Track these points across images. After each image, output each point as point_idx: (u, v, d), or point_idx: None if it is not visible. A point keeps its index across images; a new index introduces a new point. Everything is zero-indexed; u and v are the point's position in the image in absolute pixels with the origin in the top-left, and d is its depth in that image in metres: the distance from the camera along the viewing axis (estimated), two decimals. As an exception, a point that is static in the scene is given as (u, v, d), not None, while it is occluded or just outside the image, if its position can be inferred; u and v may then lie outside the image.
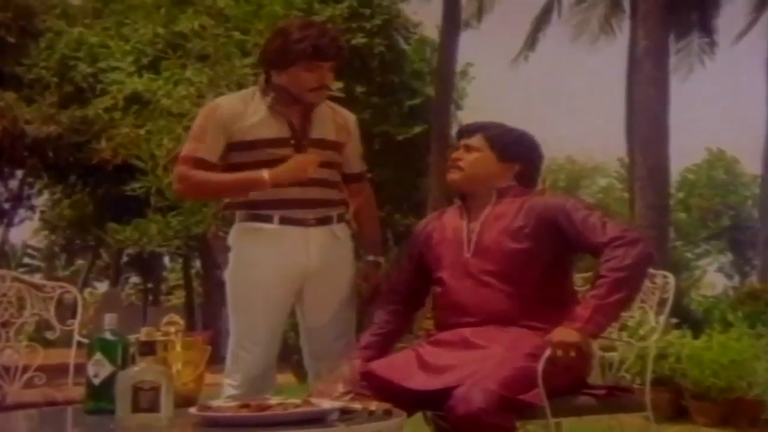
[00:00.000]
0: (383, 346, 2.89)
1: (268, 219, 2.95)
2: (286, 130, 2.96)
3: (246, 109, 2.97)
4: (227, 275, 3.06)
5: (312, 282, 3.00)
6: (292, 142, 2.95)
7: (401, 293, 2.99)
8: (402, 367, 2.64)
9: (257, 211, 2.96)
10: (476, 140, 2.89)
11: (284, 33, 2.96)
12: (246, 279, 2.99)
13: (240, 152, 2.95)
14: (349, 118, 3.16)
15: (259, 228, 2.96)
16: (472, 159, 2.87)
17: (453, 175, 2.91)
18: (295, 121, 2.98)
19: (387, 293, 3.01)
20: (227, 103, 3.06)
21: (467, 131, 2.96)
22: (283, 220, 2.94)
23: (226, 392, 2.94)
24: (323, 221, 2.99)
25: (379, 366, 2.68)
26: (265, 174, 2.87)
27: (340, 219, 3.06)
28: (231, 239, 3.04)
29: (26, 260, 38.37)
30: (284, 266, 2.95)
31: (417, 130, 16.96)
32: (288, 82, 2.94)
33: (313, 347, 3.07)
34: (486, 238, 2.80)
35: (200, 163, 2.95)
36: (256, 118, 2.95)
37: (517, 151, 2.90)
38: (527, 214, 2.78)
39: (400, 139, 16.91)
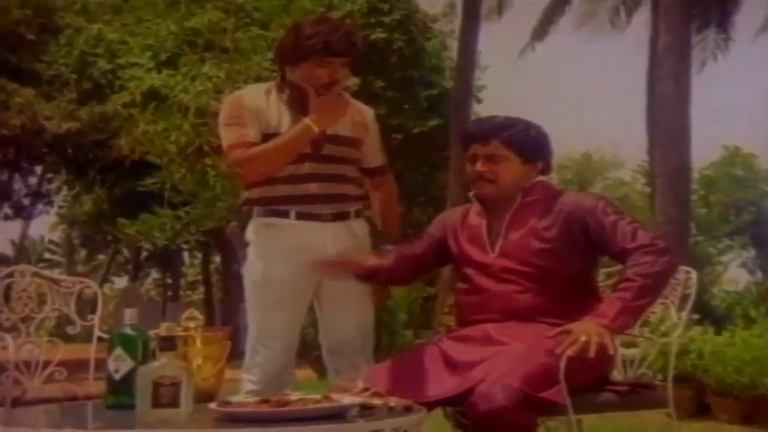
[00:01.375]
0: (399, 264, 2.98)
1: (284, 214, 2.94)
2: None
3: (266, 102, 2.97)
4: (245, 270, 3.05)
5: (329, 277, 2.99)
6: None
7: (412, 256, 2.99)
8: (427, 365, 2.65)
9: (274, 206, 2.95)
10: (496, 148, 2.82)
11: (297, 29, 2.95)
12: (263, 274, 2.98)
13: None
14: (367, 113, 3.14)
15: (276, 223, 2.95)
16: (501, 170, 2.82)
17: (486, 189, 2.85)
18: None
19: (401, 247, 3.03)
20: (250, 94, 3.04)
21: (479, 137, 2.86)
22: (300, 216, 2.93)
23: (245, 388, 2.93)
24: (340, 216, 2.98)
25: (404, 365, 2.69)
26: (307, 121, 2.85)
27: (358, 215, 3.05)
28: (248, 234, 3.04)
29: (47, 255, 38.70)
30: (301, 262, 2.94)
31: (433, 123, 16.93)
32: (301, 78, 2.93)
33: (331, 343, 3.06)
34: (511, 238, 2.79)
35: (252, 147, 2.92)
36: (273, 112, 2.95)
37: (536, 150, 2.87)
38: (555, 214, 2.77)
39: (417, 132, 16.88)
